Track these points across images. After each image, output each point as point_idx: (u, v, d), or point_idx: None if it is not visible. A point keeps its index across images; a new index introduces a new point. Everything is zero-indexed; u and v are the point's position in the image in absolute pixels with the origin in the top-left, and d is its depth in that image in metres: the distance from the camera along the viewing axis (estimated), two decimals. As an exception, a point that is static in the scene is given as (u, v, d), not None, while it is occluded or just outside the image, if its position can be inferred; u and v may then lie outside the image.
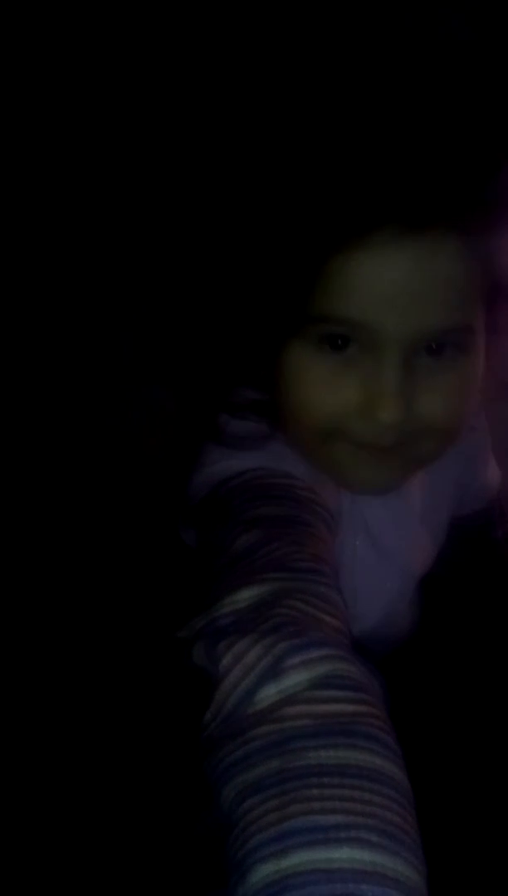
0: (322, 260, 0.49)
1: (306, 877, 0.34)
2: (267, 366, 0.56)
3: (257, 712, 0.41)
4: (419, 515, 0.61)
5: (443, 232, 0.49)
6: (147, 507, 0.66)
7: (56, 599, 0.63)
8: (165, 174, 0.64)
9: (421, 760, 0.53)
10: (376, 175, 0.48)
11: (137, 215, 0.65)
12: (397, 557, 0.62)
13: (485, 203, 0.50)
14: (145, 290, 0.67)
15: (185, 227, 0.61)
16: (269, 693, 0.42)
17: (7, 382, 0.65)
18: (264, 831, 0.36)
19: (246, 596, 0.46)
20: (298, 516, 0.53)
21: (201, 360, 0.62)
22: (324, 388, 0.54)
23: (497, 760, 0.58)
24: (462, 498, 0.68)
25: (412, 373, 0.52)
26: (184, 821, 0.53)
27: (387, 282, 0.49)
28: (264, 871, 0.35)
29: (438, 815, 0.49)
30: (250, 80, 0.57)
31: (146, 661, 0.59)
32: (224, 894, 0.37)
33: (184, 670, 0.46)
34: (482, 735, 0.59)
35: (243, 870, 0.36)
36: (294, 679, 0.42)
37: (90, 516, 0.65)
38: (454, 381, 0.54)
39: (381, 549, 0.61)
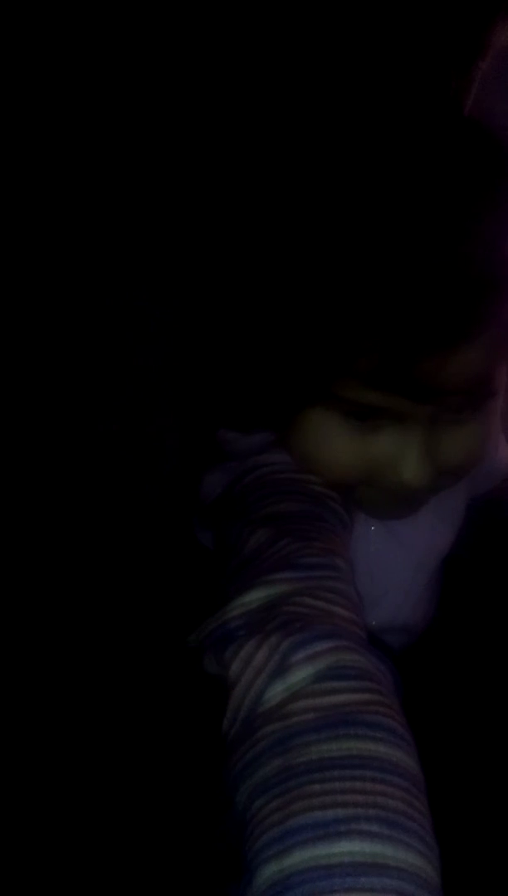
0: (349, 358, 0.49)
1: (307, 874, 0.34)
2: (286, 415, 0.55)
3: (265, 712, 0.41)
4: (433, 501, 0.60)
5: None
6: (161, 512, 0.66)
7: (69, 608, 0.64)
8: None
9: (447, 749, 0.53)
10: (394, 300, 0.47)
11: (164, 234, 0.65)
12: (412, 544, 0.62)
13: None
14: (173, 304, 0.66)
15: (223, 270, 0.59)
16: (276, 691, 0.42)
17: (13, 392, 0.66)
18: (269, 831, 0.36)
19: (254, 598, 0.46)
20: (310, 511, 0.53)
21: (214, 395, 0.63)
22: (346, 449, 0.54)
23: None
24: (475, 479, 0.67)
25: (436, 431, 0.53)
26: (200, 826, 0.54)
27: None
28: (268, 872, 0.35)
29: (461, 802, 0.49)
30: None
31: (163, 668, 0.60)
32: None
33: (199, 677, 0.47)
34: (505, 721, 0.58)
35: (250, 871, 0.36)
36: (299, 675, 0.41)
37: (102, 523, 0.66)
38: (476, 429, 0.55)
39: (396, 536, 0.61)
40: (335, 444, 0.54)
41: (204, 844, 0.53)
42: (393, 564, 0.61)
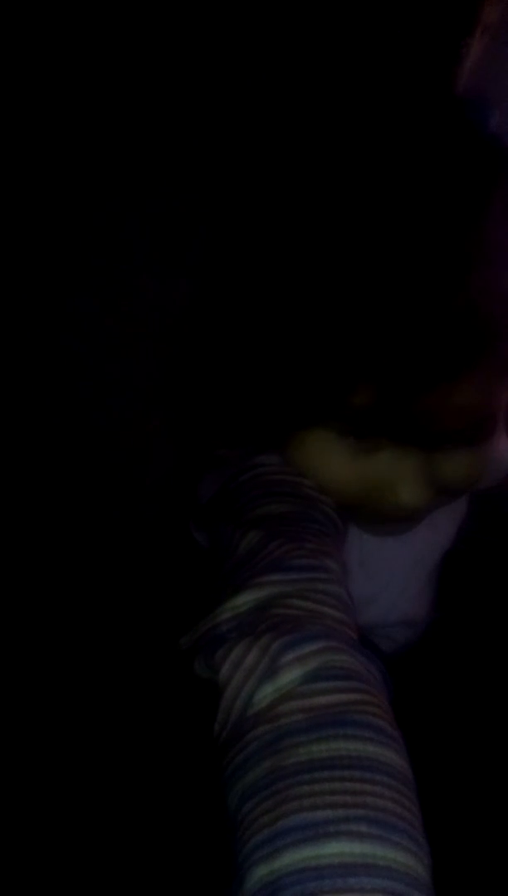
0: (345, 393, 0.49)
1: (296, 876, 0.34)
2: (284, 435, 0.55)
3: (255, 714, 0.41)
4: None
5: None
6: (156, 514, 0.66)
7: (65, 614, 0.63)
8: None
9: (445, 747, 0.53)
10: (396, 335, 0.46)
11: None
12: (409, 539, 0.61)
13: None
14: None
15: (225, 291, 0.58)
16: (266, 693, 0.42)
17: (12, 395, 0.66)
18: (259, 833, 0.36)
19: (244, 600, 0.46)
20: (301, 513, 0.53)
21: (209, 411, 0.62)
22: (343, 471, 0.54)
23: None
24: None
25: (435, 453, 0.53)
26: (194, 829, 0.54)
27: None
28: (258, 874, 0.35)
29: (454, 800, 0.49)
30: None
31: (159, 672, 0.60)
32: None
33: (194, 681, 0.47)
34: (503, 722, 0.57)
35: (241, 874, 0.36)
36: (288, 676, 0.41)
37: (98, 527, 0.66)
38: (477, 452, 0.55)
39: None
40: (332, 465, 0.54)
41: (198, 849, 0.53)
42: (390, 559, 0.61)
